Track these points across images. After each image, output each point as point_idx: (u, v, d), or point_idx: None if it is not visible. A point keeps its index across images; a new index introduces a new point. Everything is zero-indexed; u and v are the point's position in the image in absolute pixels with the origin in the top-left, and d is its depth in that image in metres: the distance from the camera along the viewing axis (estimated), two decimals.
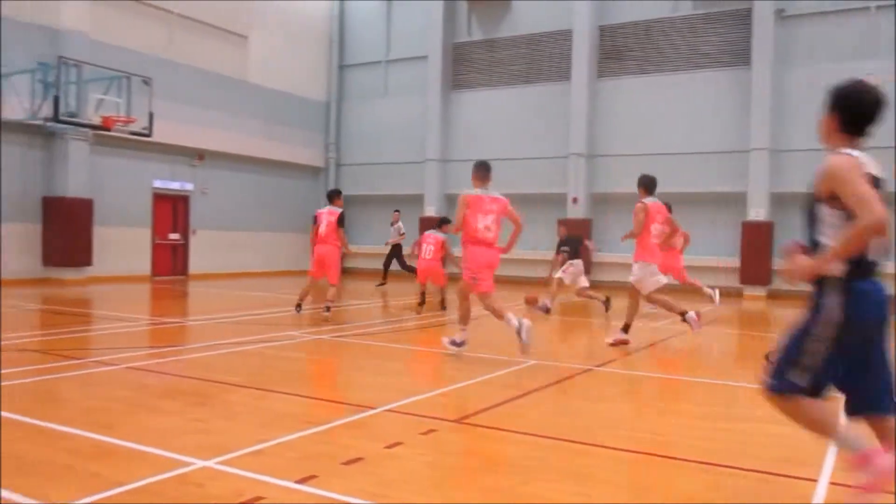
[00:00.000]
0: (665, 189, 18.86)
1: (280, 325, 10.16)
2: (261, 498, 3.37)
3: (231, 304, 12.84)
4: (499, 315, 7.64)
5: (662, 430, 4.88)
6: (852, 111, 3.21)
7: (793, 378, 3.17)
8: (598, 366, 7.50)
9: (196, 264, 20.31)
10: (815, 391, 3.19)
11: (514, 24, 21.96)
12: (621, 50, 20.43)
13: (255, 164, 22.05)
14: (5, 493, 3.36)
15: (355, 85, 24.76)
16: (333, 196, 11.26)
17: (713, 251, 18.90)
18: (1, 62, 14.64)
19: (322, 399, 5.62)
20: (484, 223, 7.59)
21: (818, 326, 3.12)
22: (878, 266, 3.14)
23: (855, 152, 3.13)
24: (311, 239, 11.36)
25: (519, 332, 7.37)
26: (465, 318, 7.92)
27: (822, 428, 3.24)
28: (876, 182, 3.08)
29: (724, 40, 19.11)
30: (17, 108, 15.01)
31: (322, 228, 10.76)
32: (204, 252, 20.44)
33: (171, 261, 19.90)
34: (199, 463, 3.85)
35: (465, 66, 22.76)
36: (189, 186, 20.16)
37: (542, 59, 21.53)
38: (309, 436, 4.48)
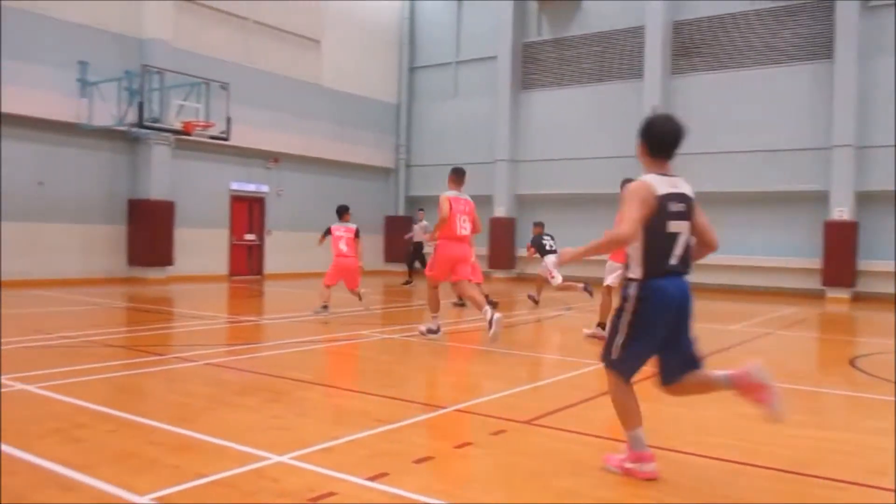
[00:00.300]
0: (740, 188, 18.59)
1: (350, 325, 10.33)
2: (333, 494, 3.43)
3: (304, 304, 13.09)
4: (432, 304, 8.75)
5: (742, 436, 4.73)
6: (655, 139, 3.86)
7: (613, 354, 3.79)
8: None
9: (271, 264, 20.84)
10: (631, 366, 3.80)
11: (585, 22, 21.68)
12: (695, 46, 19.90)
13: (327, 166, 22.47)
14: (93, 482, 3.53)
15: (425, 86, 24.93)
16: (343, 212, 11.65)
17: (792, 252, 18.25)
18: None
19: (392, 397, 5.68)
20: (460, 221, 8.48)
21: (624, 314, 3.75)
22: (679, 268, 3.72)
23: (651, 177, 3.77)
24: (318, 242, 12.14)
25: (431, 331, 8.68)
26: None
27: (627, 417, 3.81)
28: (672, 198, 3.70)
29: (806, 33, 18.37)
30: (105, 115, 15.72)
31: (342, 246, 11.18)
32: (278, 252, 20.95)
33: (247, 261, 20.48)
34: (275, 458, 3.95)
35: (535, 66, 22.60)
36: (264, 188, 20.71)
37: (613, 56, 21.18)
38: (380, 434, 4.54)
